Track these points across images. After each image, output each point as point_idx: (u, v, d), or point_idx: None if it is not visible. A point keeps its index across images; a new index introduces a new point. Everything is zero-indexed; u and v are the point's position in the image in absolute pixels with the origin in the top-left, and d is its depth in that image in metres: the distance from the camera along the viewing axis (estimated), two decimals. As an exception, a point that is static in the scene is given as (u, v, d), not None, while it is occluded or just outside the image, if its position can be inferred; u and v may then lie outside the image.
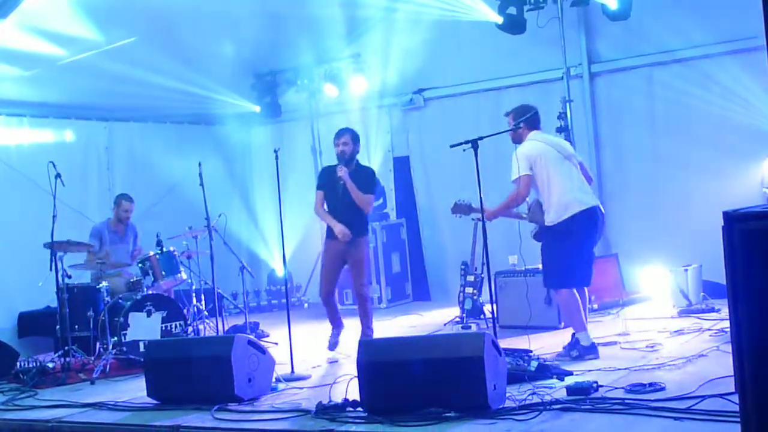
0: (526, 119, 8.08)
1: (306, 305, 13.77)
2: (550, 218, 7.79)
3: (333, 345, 9.09)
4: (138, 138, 13.24)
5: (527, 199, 8.04)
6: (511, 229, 9.67)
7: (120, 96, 12.14)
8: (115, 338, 9.08)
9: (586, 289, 8.06)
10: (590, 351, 7.62)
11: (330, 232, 9.01)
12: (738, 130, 10.63)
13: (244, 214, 14.53)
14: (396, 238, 13.08)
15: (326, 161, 13.99)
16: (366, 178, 9.13)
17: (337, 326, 9.19)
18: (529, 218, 8.14)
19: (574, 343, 7.73)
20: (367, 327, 9.04)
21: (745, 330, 3.79)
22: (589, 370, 6.81)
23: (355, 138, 9.14)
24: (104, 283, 9.48)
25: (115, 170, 12.80)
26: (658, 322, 9.21)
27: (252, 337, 7.87)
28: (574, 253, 7.78)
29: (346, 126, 9.49)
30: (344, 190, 8.88)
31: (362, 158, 13.27)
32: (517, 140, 8.13)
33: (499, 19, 11.45)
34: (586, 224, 7.78)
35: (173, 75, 11.80)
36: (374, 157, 13.52)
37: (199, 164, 9.85)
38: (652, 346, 7.85)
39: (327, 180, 9.12)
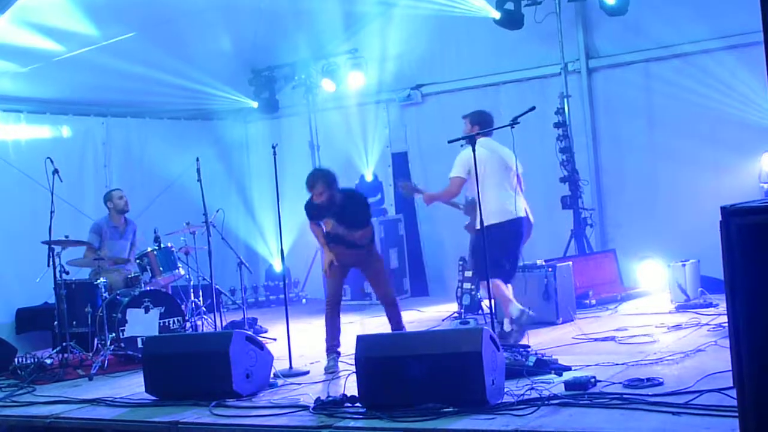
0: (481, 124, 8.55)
1: (304, 301, 13.78)
2: (478, 222, 8.16)
3: (331, 369, 8.00)
4: (135, 134, 13.23)
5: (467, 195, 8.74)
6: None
7: (117, 92, 12.14)
8: (113, 334, 9.07)
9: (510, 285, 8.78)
10: (521, 316, 8.35)
11: (332, 238, 8.44)
12: (735, 125, 10.64)
13: (241, 210, 14.53)
14: (394, 234, 13.07)
15: (324, 156, 14.02)
16: (358, 210, 8.39)
17: (335, 345, 8.23)
18: (464, 211, 8.92)
19: (511, 321, 8.39)
20: (402, 329, 8.53)
21: (743, 325, 3.80)
22: (587, 365, 6.82)
23: (329, 180, 8.15)
24: (102, 279, 9.47)
25: (112, 166, 12.78)
26: (656, 317, 9.22)
27: (250, 332, 7.86)
28: (499, 254, 8.35)
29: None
30: (340, 218, 8.30)
31: (360, 155, 13.40)
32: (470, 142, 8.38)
33: (497, 15, 11.47)
34: (512, 232, 8.56)
35: (171, 71, 11.78)
36: (372, 152, 13.53)
37: (197, 160, 9.84)
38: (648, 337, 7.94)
39: (318, 212, 8.42)
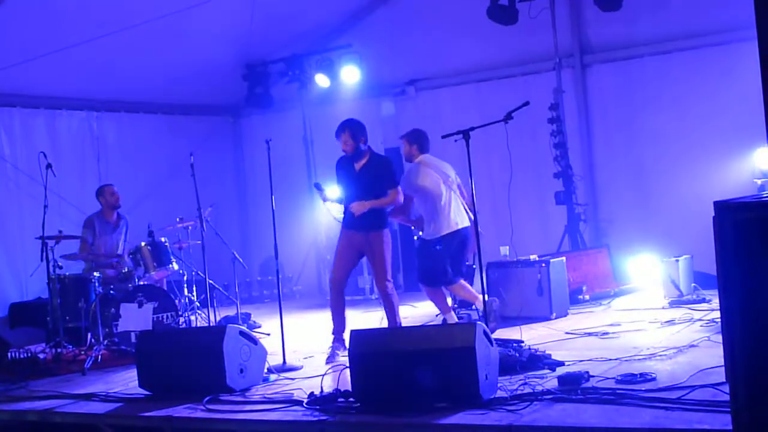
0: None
1: (298, 296, 13.78)
2: (427, 233, 9.02)
3: (333, 358, 8.23)
4: (129, 129, 13.22)
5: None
6: (503, 220, 9.71)
7: (111, 86, 12.11)
8: (107, 329, 9.06)
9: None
10: (491, 304, 8.83)
11: (345, 221, 8.61)
12: (729, 120, 10.66)
13: (235, 205, 14.53)
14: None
15: (318, 151, 14.01)
16: (384, 171, 8.53)
17: (339, 330, 8.41)
18: (415, 227, 9.43)
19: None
20: (394, 323, 8.58)
21: (735, 320, 3.81)
22: (581, 361, 6.82)
23: (354, 131, 8.51)
24: (96, 274, 9.46)
25: (105, 161, 12.77)
26: (649, 313, 9.23)
27: (244, 327, 7.86)
28: (443, 262, 8.92)
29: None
30: (357, 185, 8.49)
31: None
32: (408, 159, 9.24)
33: (491, 10, 11.44)
34: (456, 243, 8.98)
35: (164, 65, 11.78)
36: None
37: (191, 155, 9.83)
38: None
39: (340, 172, 8.69)
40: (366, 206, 8.35)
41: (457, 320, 9.10)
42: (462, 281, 9.10)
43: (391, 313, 8.61)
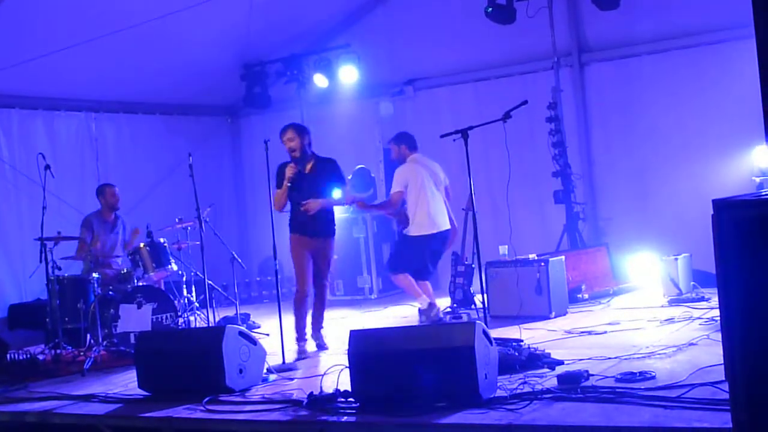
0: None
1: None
2: (411, 230, 9.52)
3: (303, 353, 8.59)
4: (127, 129, 13.21)
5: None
6: (502, 220, 9.71)
7: (109, 87, 12.10)
8: (106, 330, 9.06)
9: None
10: (432, 307, 9.48)
11: (295, 225, 8.79)
12: (728, 118, 10.66)
13: (234, 205, 14.52)
14: (387, 229, 13.05)
15: (316, 151, 13.97)
16: (332, 173, 8.93)
17: (303, 336, 8.76)
18: (397, 221, 9.88)
19: (421, 312, 9.54)
20: (320, 326, 8.97)
21: (735, 318, 3.81)
22: (580, 359, 6.82)
23: (300, 131, 8.89)
24: (95, 275, 9.45)
25: (104, 161, 12.76)
26: (648, 311, 9.23)
27: (243, 328, 7.85)
28: (419, 258, 9.57)
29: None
30: (309, 186, 8.71)
31: (351, 150, 13.37)
32: (401, 160, 9.69)
33: (489, 10, 11.44)
34: (437, 243, 9.59)
35: (162, 66, 11.77)
36: (364, 147, 13.52)
37: (189, 155, 9.83)
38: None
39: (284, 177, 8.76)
40: (319, 204, 8.62)
41: (429, 302, 9.54)
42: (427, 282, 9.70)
43: (322, 316, 8.98)
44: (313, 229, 8.73)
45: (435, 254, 9.73)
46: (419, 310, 9.72)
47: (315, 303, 8.94)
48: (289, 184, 8.65)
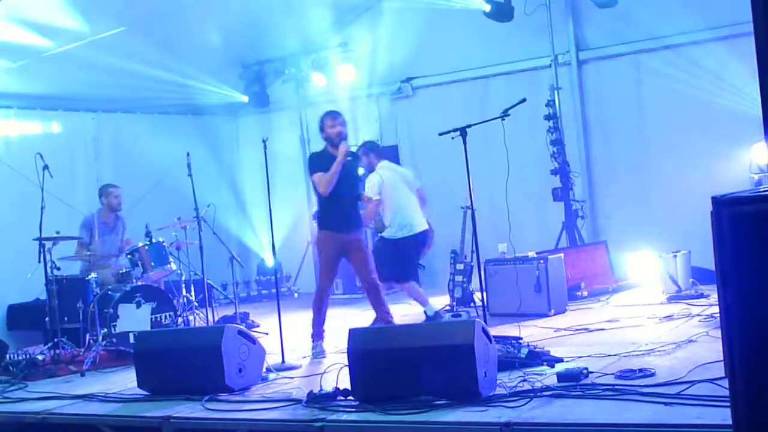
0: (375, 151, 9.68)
1: (296, 295, 13.77)
2: (390, 233, 9.63)
3: (321, 353, 8.41)
4: (126, 129, 13.21)
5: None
6: (501, 217, 9.71)
7: (107, 87, 12.09)
8: (105, 330, 9.05)
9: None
10: (438, 315, 9.48)
11: (326, 221, 8.55)
12: (726, 115, 10.66)
13: (233, 205, 14.52)
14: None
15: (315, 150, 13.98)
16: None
17: (321, 334, 8.54)
18: (374, 227, 9.94)
19: (430, 317, 9.44)
20: (386, 314, 8.63)
21: (734, 315, 3.80)
22: (580, 357, 6.82)
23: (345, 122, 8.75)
24: (93, 275, 9.44)
25: (102, 161, 12.77)
26: (647, 308, 9.23)
27: (242, 327, 7.85)
28: (406, 259, 9.63)
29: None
30: (347, 175, 8.46)
31: (351, 148, 13.36)
32: (370, 168, 9.81)
33: (487, 7, 11.47)
34: (416, 243, 9.64)
35: (161, 66, 11.75)
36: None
37: (188, 154, 9.82)
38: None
39: (329, 164, 8.43)
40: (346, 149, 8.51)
41: (431, 316, 9.50)
42: (413, 283, 9.68)
43: (383, 305, 8.72)
44: (348, 223, 8.52)
45: (416, 255, 9.78)
46: (426, 315, 9.59)
47: (371, 302, 8.73)
48: (349, 158, 8.48)
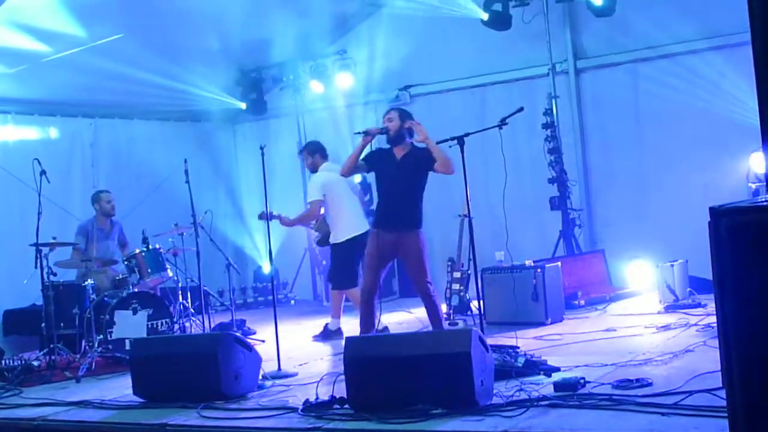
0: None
1: (293, 302, 13.76)
2: (336, 237, 9.76)
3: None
4: (123, 135, 13.20)
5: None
6: (498, 226, 9.68)
7: (105, 92, 12.09)
8: (101, 336, 9.04)
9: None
10: (338, 334, 9.64)
11: (379, 222, 8.35)
12: (723, 124, 10.67)
13: (230, 211, 14.50)
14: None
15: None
16: (423, 160, 8.18)
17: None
18: (315, 228, 10.16)
19: (330, 331, 9.80)
20: (440, 328, 8.34)
21: (731, 325, 3.79)
22: (576, 366, 6.81)
23: (402, 114, 8.38)
24: (90, 281, 9.43)
25: (100, 167, 12.75)
26: (644, 318, 9.23)
27: (238, 334, 7.84)
28: (354, 262, 9.64)
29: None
30: (398, 174, 8.20)
31: (346, 156, 13.34)
32: (313, 170, 10.05)
33: (485, 16, 11.48)
34: (362, 245, 9.12)
35: (159, 71, 11.75)
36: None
37: (185, 161, 9.81)
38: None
39: (379, 160, 8.36)
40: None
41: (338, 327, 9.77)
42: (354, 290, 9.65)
43: (438, 319, 8.45)
44: (389, 221, 8.24)
45: (360, 258, 9.50)
46: (326, 326, 9.96)
47: (426, 309, 8.48)
48: (362, 132, 8.28)
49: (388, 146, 8.38)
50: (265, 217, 9.21)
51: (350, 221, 9.74)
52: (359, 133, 8.43)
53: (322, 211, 9.94)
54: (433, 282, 8.35)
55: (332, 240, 9.84)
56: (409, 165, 8.23)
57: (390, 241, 8.22)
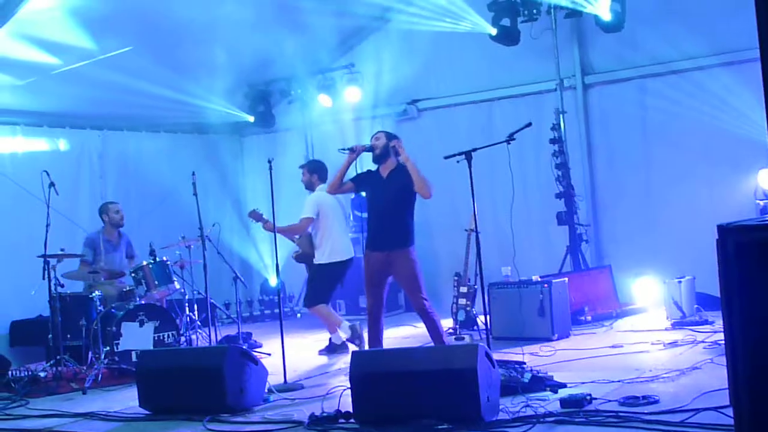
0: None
1: (299, 315, 13.75)
2: (323, 258, 9.78)
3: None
4: (132, 147, 13.23)
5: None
6: (505, 240, 9.70)
7: (114, 105, 12.13)
8: (108, 348, 9.05)
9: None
10: (343, 348, 9.75)
11: (369, 242, 8.37)
12: (731, 141, 10.66)
13: (237, 224, 14.50)
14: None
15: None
16: (410, 179, 8.16)
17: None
18: (297, 242, 10.15)
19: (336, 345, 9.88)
20: (441, 344, 8.28)
21: (739, 342, 3.79)
22: (583, 382, 6.80)
23: (389, 135, 8.45)
24: (97, 293, 9.45)
25: (108, 179, 12.79)
26: (651, 334, 9.20)
27: (245, 347, 7.84)
28: (333, 285, 9.84)
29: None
30: (384, 192, 8.23)
31: (355, 170, 13.35)
32: (310, 188, 10.06)
33: (493, 31, 11.49)
34: (347, 270, 9.86)
35: (167, 84, 11.79)
36: (367, 167, 13.51)
37: (193, 173, 9.84)
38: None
39: (366, 180, 8.48)
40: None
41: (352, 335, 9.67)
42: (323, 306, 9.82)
43: (438, 334, 8.39)
44: (378, 241, 8.26)
45: (340, 282, 9.99)
46: (330, 341, 9.98)
47: (426, 326, 8.44)
48: (347, 149, 8.40)
49: (375, 167, 8.46)
50: (255, 216, 9.65)
51: (337, 245, 9.79)
52: (344, 150, 8.51)
53: (309, 229, 9.92)
54: (434, 298, 8.29)
55: (317, 260, 9.85)
56: (395, 183, 8.22)
57: (381, 260, 8.22)
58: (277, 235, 8.93)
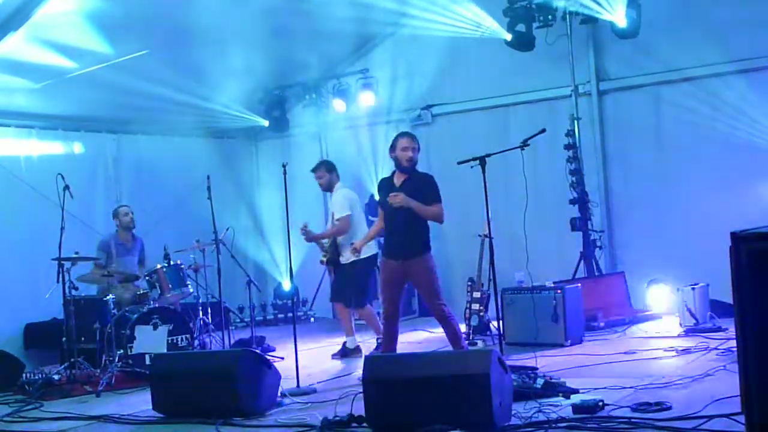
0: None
1: (312, 319, 13.76)
2: (349, 255, 9.70)
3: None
4: (146, 151, 13.25)
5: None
6: (518, 246, 9.68)
7: (129, 108, 12.16)
8: (121, 351, 9.08)
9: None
10: (357, 352, 9.86)
11: (385, 250, 8.28)
12: (746, 149, 10.64)
13: (251, 228, 14.54)
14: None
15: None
16: (427, 186, 8.09)
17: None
18: (324, 246, 10.15)
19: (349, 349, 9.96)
20: (460, 349, 8.13)
21: (752, 350, 3.79)
22: (596, 388, 6.79)
23: (417, 141, 8.26)
24: (111, 296, 9.48)
25: (123, 183, 12.83)
26: (664, 341, 9.19)
27: (258, 351, 7.85)
28: (373, 279, 10.06)
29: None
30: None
31: (369, 175, 13.40)
32: (328, 188, 10.23)
33: (508, 36, 11.50)
34: (374, 265, 9.92)
35: (182, 88, 11.83)
36: (381, 172, 13.54)
37: (207, 177, 9.87)
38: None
39: (381, 189, 8.36)
40: (402, 200, 7.89)
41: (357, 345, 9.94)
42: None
43: (457, 338, 8.23)
44: (394, 250, 8.12)
45: (372, 276, 10.12)
46: (344, 345, 10.03)
47: (444, 331, 8.29)
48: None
49: (389, 174, 8.41)
50: (306, 233, 9.86)
51: (367, 239, 9.69)
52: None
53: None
54: (448, 304, 8.20)
55: (347, 259, 9.84)
56: (408, 191, 7.99)
57: (398, 268, 8.10)
58: (297, 239, 8.96)
